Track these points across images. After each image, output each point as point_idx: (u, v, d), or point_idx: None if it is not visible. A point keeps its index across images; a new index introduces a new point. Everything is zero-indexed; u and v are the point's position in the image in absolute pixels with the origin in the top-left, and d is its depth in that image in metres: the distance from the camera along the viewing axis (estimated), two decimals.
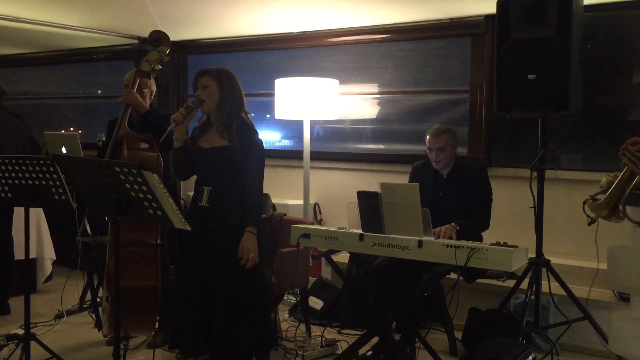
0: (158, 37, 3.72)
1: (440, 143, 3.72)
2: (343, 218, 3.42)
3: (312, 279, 4.40)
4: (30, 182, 3.04)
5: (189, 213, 3.20)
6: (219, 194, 3.09)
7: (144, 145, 3.54)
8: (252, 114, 3.24)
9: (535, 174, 3.64)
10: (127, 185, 2.48)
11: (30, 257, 3.85)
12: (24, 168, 3.01)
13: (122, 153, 3.54)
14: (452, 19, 4.70)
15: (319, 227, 3.68)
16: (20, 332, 3.36)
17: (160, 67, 3.76)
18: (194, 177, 3.27)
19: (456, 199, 3.73)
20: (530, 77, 3.55)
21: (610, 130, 4.28)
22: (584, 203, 2.78)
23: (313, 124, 4.85)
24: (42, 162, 2.95)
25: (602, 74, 4.31)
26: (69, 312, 4.41)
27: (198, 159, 3.14)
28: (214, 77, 3.10)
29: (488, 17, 4.48)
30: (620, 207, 2.53)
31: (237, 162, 3.08)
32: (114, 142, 3.61)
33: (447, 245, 2.99)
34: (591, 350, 3.77)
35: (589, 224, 3.17)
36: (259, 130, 3.23)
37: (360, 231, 3.24)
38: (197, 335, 3.10)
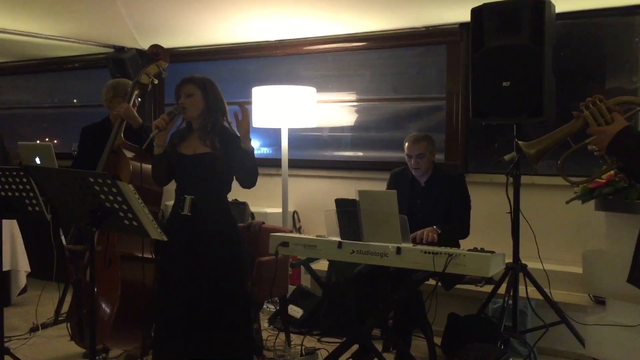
0: (157, 52, 3.71)
1: (419, 150, 3.75)
2: (322, 226, 3.42)
3: (291, 288, 4.39)
4: (3, 193, 2.99)
5: (170, 222, 3.17)
6: (202, 202, 3.06)
7: (142, 156, 3.50)
8: (232, 122, 3.23)
9: (511, 179, 3.68)
10: (102, 196, 2.46)
11: (4, 269, 3.78)
12: None
13: (118, 163, 3.50)
14: (427, 27, 4.74)
15: (297, 235, 3.67)
16: None
17: (157, 81, 3.74)
18: (174, 186, 3.24)
19: (434, 206, 3.75)
20: (504, 84, 3.59)
21: (584, 136, 4.33)
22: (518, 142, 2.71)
23: (291, 131, 4.85)
24: (15, 173, 2.91)
25: (576, 80, 4.38)
26: (44, 325, 4.33)
27: (179, 166, 3.11)
28: (198, 86, 3.08)
29: (463, 25, 4.53)
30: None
31: (220, 169, 3.06)
32: (109, 152, 3.56)
33: (425, 252, 3.00)
34: (569, 354, 3.81)
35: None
36: None
37: (338, 239, 3.24)
38: (179, 346, 3.06)
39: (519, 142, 2.54)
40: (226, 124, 3.16)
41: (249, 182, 3.09)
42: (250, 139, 3.04)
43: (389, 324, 3.82)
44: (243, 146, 3.02)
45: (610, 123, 2.20)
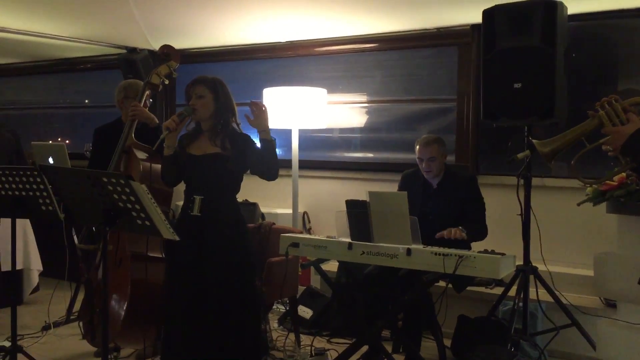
0: (168, 52, 3.73)
1: (430, 153, 3.74)
2: (332, 227, 3.43)
3: (301, 288, 4.40)
4: (17, 192, 3.02)
5: (179, 222, 3.18)
6: (211, 202, 3.07)
7: (153, 156, 3.51)
8: (241, 124, 3.25)
9: (522, 181, 3.67)
10: (115, 196, 2.48)
11: (17, 268, 3.82)
12: (10, 179, 2.99)
13: (129, 163, 3.52)
14: (438, 29, 4.74)
15: (307, 236, 3.68)
16: (7, 344, 3.33)
17: (168, 81, 3.76)
18: (184, 187, 3.26)
19: (446, 208, 3.74)
20: (516, 85, 3.58)
21: (595, 138, 4.32)
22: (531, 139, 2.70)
23: (301, 132, 4.87)
24: (29, 172, 2.94)
25: (587, 82, 4.36)
26: (56, 324, 4.37)
27: (188, 166, 3.13)
28: (209, 87, 3.09)
29: (474, 26, 4.53)
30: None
31: (230, 169, 3.08)
32: (120, 152, 3.59)
33: (436, 254, 3.00)
34: (579, 357, 3.79)
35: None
36: None
37: (349, 240, 3.24)
38: (188, 346, 3.08)
39: (533, 140, 2.54)
40: (235, 125, 3.17)
41: (272, 174, 3.09)
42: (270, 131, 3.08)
43: (398, 326, 3.82)
44: (263, 136, 3.05)
45: (626, 123, 2.20)
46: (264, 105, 3.09)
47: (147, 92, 3.73)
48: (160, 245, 3.42)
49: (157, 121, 3.73)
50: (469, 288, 3.84)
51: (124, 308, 3.33)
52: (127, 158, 3.57)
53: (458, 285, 3.59)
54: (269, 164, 3.07)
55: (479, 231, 3.70)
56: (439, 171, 3.79)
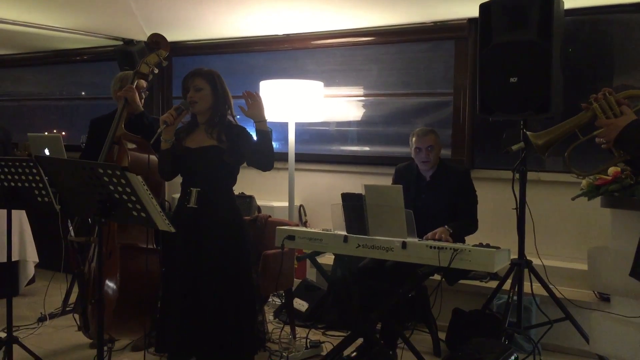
0: (157, 41, 3.71)
1: (429, 142, 3.76)
2: (328, 220, 3.43)
3: (296, 281, 4.41)
4: (12, 184, 3.02)
5: (176, 214, 3.18)
6: (208, 195, 3.08)
7: (143, 147, 3.51)
8: (238, 117, 3.25)
9: (517, 175, 3.68)
10: (111, 187, 2.48)
11: (13, 259, 3.82)
12: (6, 170, 2.99)
13: (121, 154, 3.51)
14: (435, 22, 4.74)
15: (303, 228, 3.69)
16: (3, 335, 3.33)
17: (157, 70, 3.75)
18: (180, 179, 3.26)
19: (439, 201, 3.76)
20: (512, 80, 3.59)
21: (591, 132, 4.33)
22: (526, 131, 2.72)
23: (298, 126, 4.87)
24: (24, 163, 2.93)
25: (583, 76, 4.37)
26: (52, 315, 4.38)
27: (184, 159, 3.13)
28: (207, 80, 3.09)
29: (471, 20, 4.53)
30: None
31: (226, 162, 3.08)
32: (110, 143, 3.58)
33: (431, 247, 3.01)
34: (573, 350, 3.81)
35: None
36: None
37: (344, 233, 3.25)
38: (184, 339, 3.09)
39: (527, 132, 2.55)
40: (230, 118, 3.17)
41: (268, 164, 3.08)
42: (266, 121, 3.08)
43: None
44: (259, 127, 3.05)
45: (619, 116, 2.21)
46: (258, 95, 3.08)
47: (138, 82, 3.72)
48: (151, 236, 3.41)
49: (142, 109, 3.73)
50: (463, 281, 3.86)
51: (115, 300, 3.33)
52: (117, 149, 3.56)
53: (450, 278, 3.60)
54: (265, 154, 3.07)
55: (467, 227, 3.71)
56: (435, 162, 3.81)
